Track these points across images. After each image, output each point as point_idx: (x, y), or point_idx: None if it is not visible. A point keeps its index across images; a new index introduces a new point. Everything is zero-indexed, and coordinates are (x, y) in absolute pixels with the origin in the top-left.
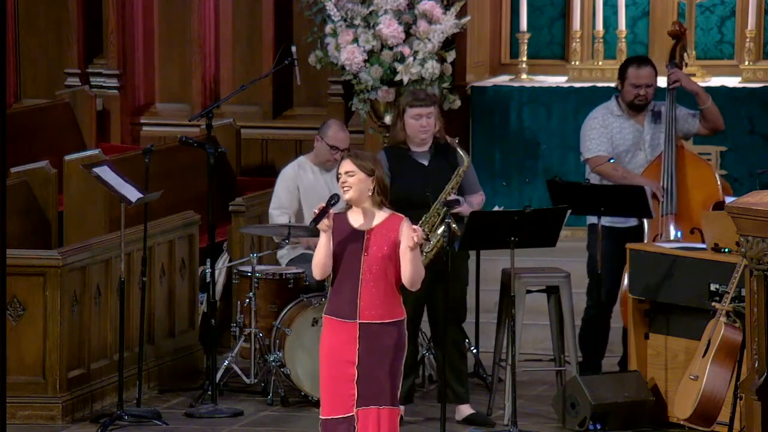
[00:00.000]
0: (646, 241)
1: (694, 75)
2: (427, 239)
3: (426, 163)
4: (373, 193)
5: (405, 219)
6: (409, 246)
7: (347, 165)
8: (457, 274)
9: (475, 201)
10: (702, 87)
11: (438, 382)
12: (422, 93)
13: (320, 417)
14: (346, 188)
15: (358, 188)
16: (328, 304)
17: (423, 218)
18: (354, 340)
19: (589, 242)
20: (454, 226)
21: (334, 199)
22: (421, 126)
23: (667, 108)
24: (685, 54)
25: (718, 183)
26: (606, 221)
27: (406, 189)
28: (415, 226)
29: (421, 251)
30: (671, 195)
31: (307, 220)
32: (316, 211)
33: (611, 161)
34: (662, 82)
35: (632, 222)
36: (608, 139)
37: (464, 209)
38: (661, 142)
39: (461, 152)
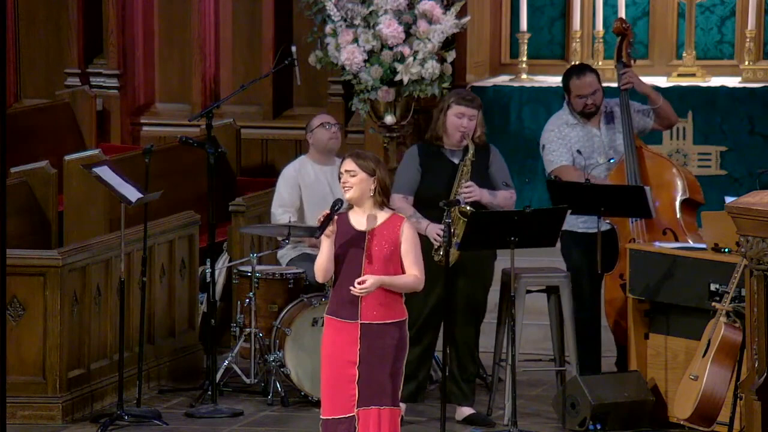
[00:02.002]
0: (620, 246)
1: (693, 75)
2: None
3: (457, 161)
4: (374, 193)
5: (406, 219)
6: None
7: (349, 164)
8: (480, 273)
9: (500, 194)
10: (651, 86)
11: (438, 382)
12: (470, 95)
13: (321, 417)
14: (346, 188)
15: (359, 188)
16: (329, 304)
17: (443, 220)
18: (355, 341)
19: (564, 248)
20: (467, 207)
21: (338, 204)
22: (461, 125)
23: (622, 111)
24: (632, 50)
25: (682, 179)
26: (580, 227)
27: (433, 186)
28: (360, 279)
29: (448, 249)
30: None
31: (309, 218)
32: (321, 218)
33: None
34: (613, 81)
35: (605, 227)
36: (568, 148)
37: (477, 192)
38: (620, 143)
39: (469, 143)
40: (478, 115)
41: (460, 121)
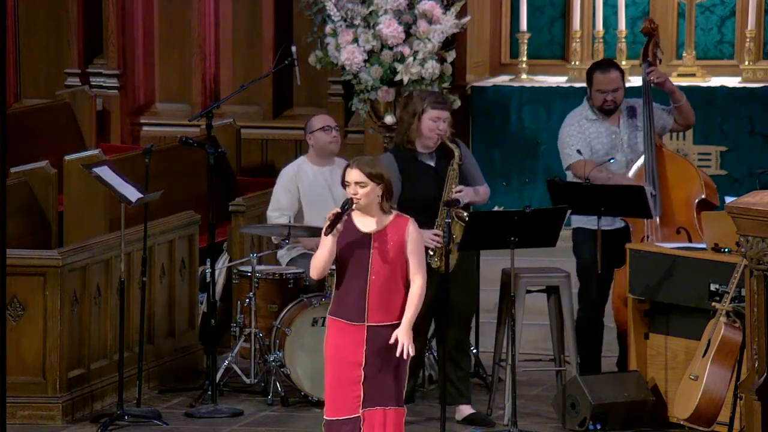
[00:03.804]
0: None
1: (693, 74)
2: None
3: (433, 164)
4: (382, 199)
5: (411, 220)
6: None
7: (357, 175)
8: (466, 272)
9: (481, 190)
10: (676, 85)
11: (437, 381)
12: (441, 96)
13: (324, 417)
14: (356, 199)
15: (369, 198)
16: (333, 305)
17: (436, 223)
18: (361, 343)
19: (576, 245)
20: (464, 213)
21: (347, 204)
22: (438, 128)
23: (645, 108)
24: (658, 50)
25: (700, 179)
26: (592, 224)
27: (417, 192)
28: (399, 347)
29: (448, 248)
30: (655, 196)
31: (308, 219)
32: (331, 216)
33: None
34: (637, 81)
35: (618, 224)
36: (586, 143)
37: (468, 196)
38: (638, 142)
39: (450, 145)
40: (449, 117)
41: (435, 125)
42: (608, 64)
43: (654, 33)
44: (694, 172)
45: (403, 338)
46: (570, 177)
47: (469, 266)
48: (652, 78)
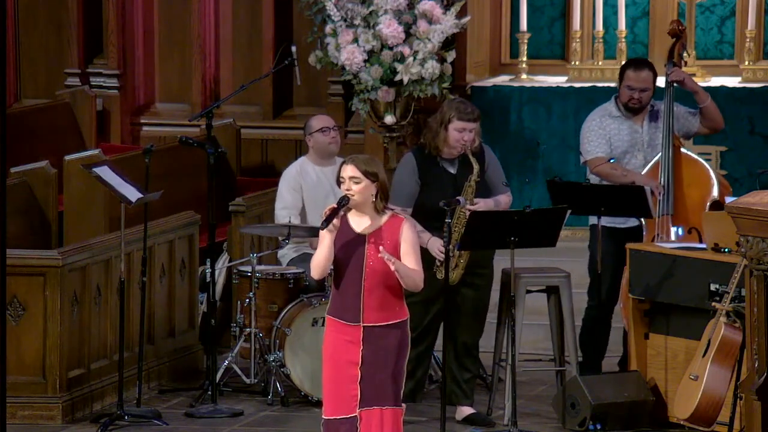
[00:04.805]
0: (644, 242)
1: (694, 75)
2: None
3: (454, 171)
4: (377, 198)
5: (405, 221)
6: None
7: (351, 170)
8: (483, 277)
9: (502, 201)
10: (701, 86)
11: (438, 381)
12: (470, 107)
13: (322, 417)
14: (350, 194)
15: (363, 195)
16: (330, 305)
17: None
18: (358, 342)
19: (591, 242)
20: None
21: (344, 200)
22: (462, 139)
23: (665, 107)
24: (684, 52)
25: (714, 182)
26: (606, 221)
27: (434, 197)
28: (388, 257)
29: (448, 248)
30: (668, 195)
31: (311, 218)
32: (327, 211)
33: (612, 161)
34: (661, 81)
35: (632, 222)
36: (606, 140)
37: (483, 205)
38: (660, 143)
39: (472, 159)
40: (477, 128)
41: (461, 135)
42: (642, 63)
43: (681, 34)
44: (708, 173)
45: (390, 257)
46: (588, 171)
47: (486, 271)
48: (672, 78)
